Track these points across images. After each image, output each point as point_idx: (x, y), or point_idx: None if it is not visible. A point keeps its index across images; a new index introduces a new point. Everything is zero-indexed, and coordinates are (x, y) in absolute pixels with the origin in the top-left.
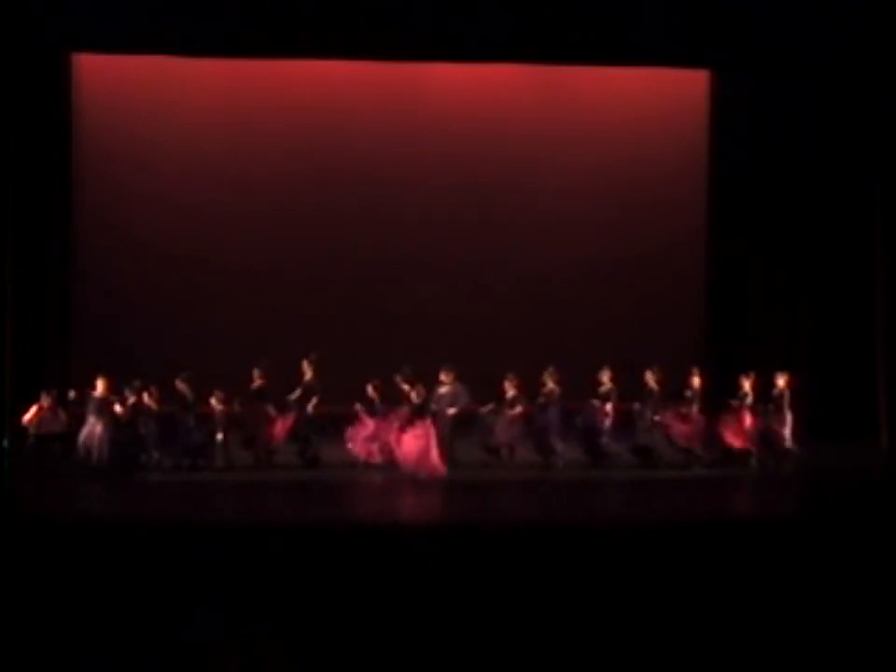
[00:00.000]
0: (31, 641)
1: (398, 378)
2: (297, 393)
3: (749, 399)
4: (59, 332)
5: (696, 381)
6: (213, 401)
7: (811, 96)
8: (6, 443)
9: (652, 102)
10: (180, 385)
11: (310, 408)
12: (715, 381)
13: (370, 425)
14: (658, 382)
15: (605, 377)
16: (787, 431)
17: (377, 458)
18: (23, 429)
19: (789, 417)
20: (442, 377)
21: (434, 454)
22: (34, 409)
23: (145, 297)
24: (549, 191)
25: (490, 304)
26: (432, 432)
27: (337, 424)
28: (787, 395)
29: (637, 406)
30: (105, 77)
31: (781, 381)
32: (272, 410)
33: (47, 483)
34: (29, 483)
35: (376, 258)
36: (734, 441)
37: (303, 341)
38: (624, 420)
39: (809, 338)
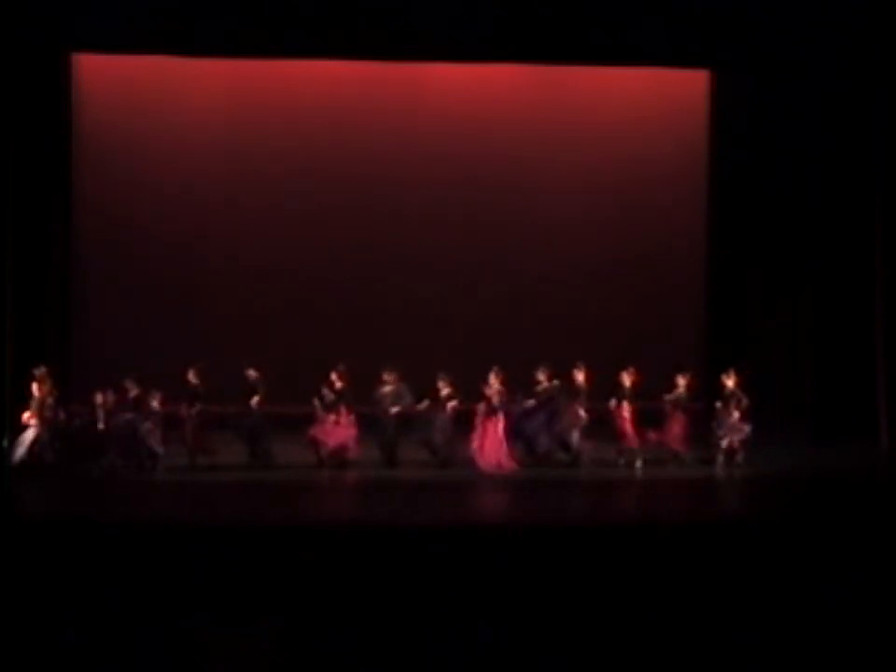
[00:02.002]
0: (29, 641)
1: (333, 375)
2: (256, 398)
3: (684, 398)
4: (59, 332)
5: (627, 379)
6: (153, 402)
7: (811, 96)
8: (6, 443)
9: (652, 102)
10: (129, 385)
11: (253, 405)
12: (716, 382)
13: (326, 423)
14: (586, 379)
15: (541, 376)
16: (736, 430)
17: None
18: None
19: (736, 417)
20: (385, 377)
21: (505, 451)
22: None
23: (145, 296)
24: (549, 191)
25: (489, 304)
26: (502, 431)
27: (297, 423)
28: (735, 394)
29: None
30: (105, 77)
31: (730, 381)
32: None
33: (46, 483)
34: (29, 483)
35: (376, 257)
36: (663, 439)
37: (303, 340)
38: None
39: (809, 338)
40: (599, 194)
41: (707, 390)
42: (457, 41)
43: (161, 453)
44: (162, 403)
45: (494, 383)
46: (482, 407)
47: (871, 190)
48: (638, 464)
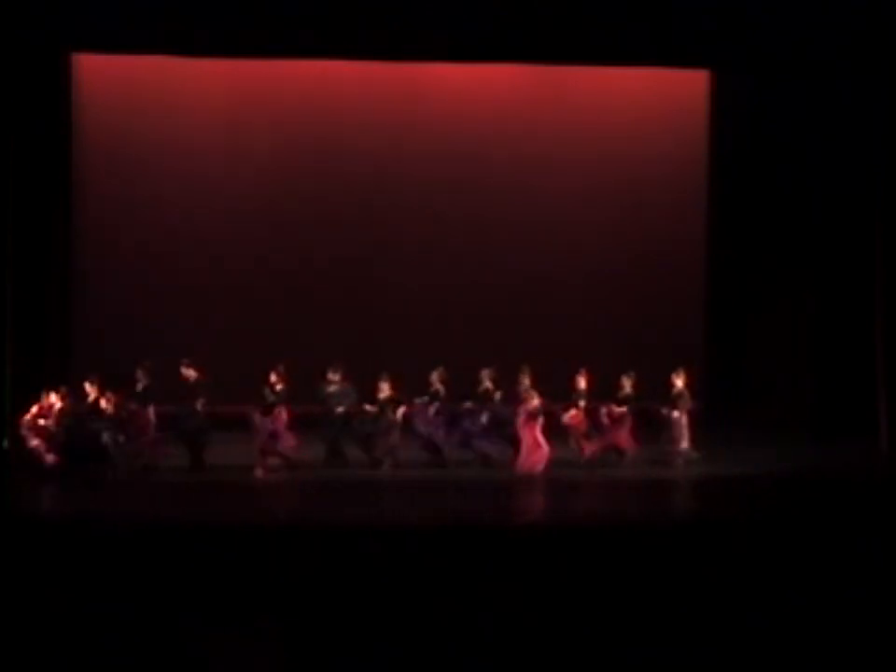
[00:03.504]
0: (28, 641)
1: (272, 376)
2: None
3: (632, 399)
4: (59, 332)
5: (582, 382)
6: (103, 403)
7: (811, 96)
8: (6, 443)
9: (652, 102)
10: (88, 388)
11: (199, 407)
12: (716, 382)
13: (264, 424)
14: (532, 383)
15: (485, 377)
16: (684, 432)
17: (272, 459)
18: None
19: (684, 419)
20: (330, 376)
21: (545, 454)
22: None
23: (145, 296)
24: (548, 191)
25: (489, 303)
26: (539, 433)
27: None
28: (685, 395)
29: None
30: (105, 77)
31: (679, 381)
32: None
33: (46, 483)
34: (29, 484)
35: (376, 257)
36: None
37: (305, 340)
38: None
39: (809, 338)
40: (599, 194)
41: (704, 391)
42: (457, 41)
43: (117, 456)
44: (117, 406)
45: (526, 384)
46: (521, 411)
47: (871, 190)
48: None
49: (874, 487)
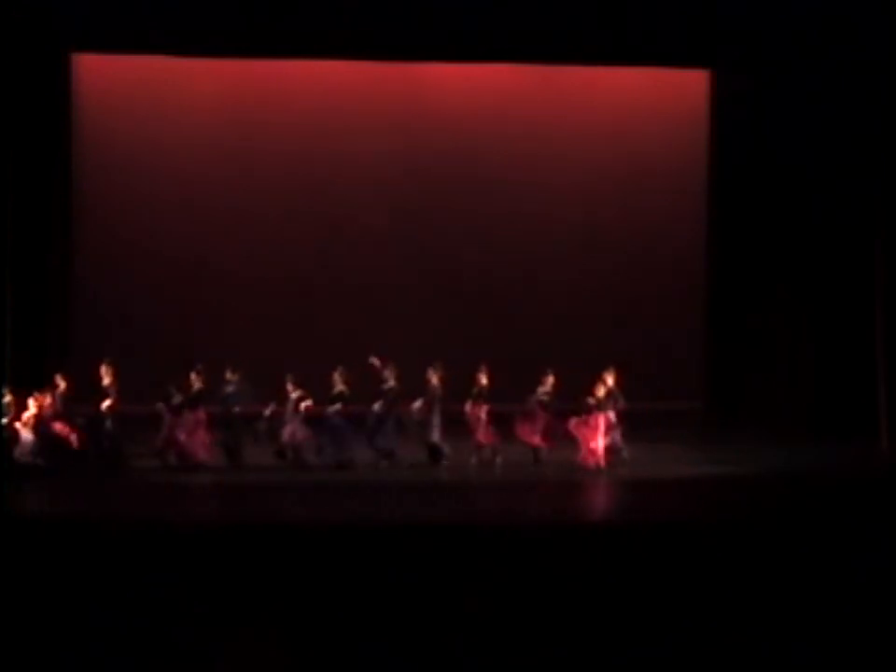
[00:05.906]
0: (28, 641)
1: (192, 375)
2: (107, 402)
3: (549, 398)
4: (59, 333)
5: (483, 380)
6: (30, 402)
7: (811, 96)
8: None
9: (652, 102)
10: (4, 391)
11: (104, 408)
12: (716, 382)
13: (173, 425)
14: (440, 380)
15: (390, 376)
16: (616, 431)
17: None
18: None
19: (614, 418)
20: (228, 376)
21: (599, 446)
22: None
23: (145, 297)
24: (549, 190)
25: (488, 302)
26: (601, 427)
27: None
28: (615, 394)
29: (416, 405)
30: (105, 77)
31: (610, 379)
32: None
33: (46, 483)
34: (28, 484)
35: (377, 257)
36: (532, 439)
37: (305, 341)
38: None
39: (810, 338)
40: (599, 193)
41: (704, 391)
42: (458, 41)
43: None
44: (39, 409)
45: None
46: (590, 406)
47: (871, 190)
48: (498, 460)
49: (874, 487)
